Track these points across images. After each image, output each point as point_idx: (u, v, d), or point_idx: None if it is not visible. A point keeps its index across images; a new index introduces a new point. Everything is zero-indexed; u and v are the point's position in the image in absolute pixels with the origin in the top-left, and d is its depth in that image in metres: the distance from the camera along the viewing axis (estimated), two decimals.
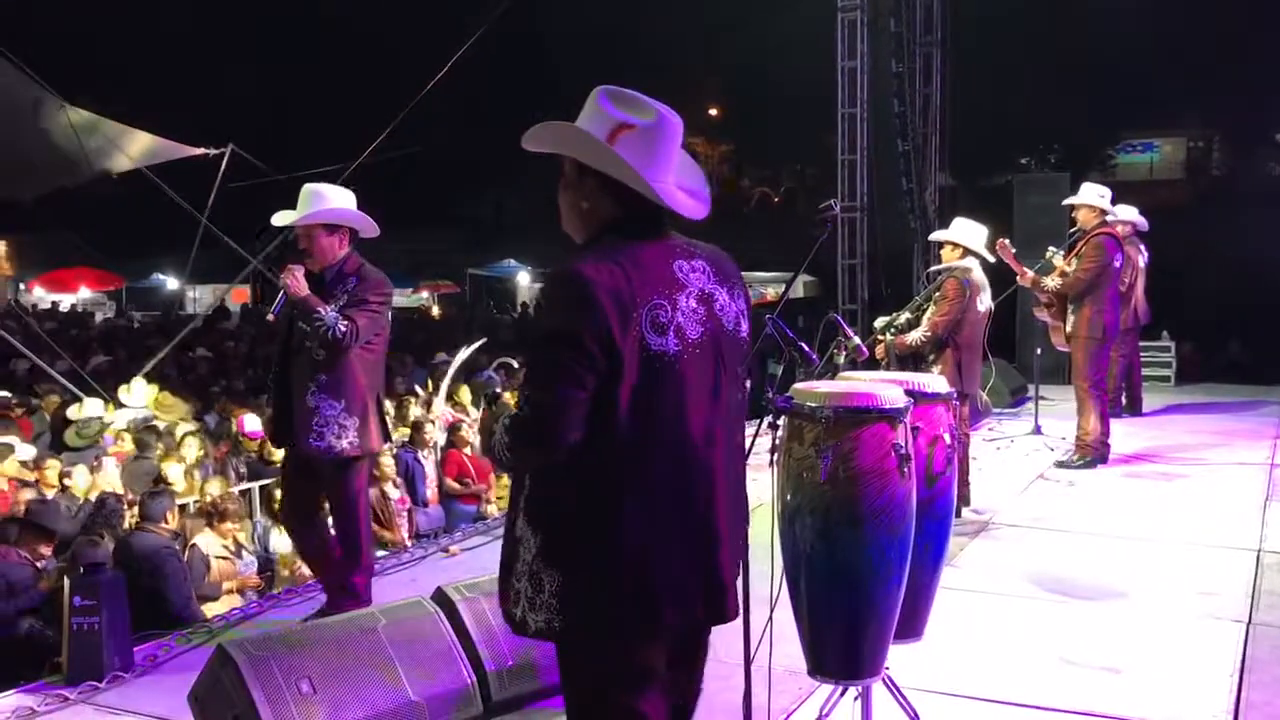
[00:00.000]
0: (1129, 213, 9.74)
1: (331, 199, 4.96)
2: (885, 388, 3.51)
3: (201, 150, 14.98)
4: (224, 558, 6.49)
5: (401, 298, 34.96)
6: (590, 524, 2.41)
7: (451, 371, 10.52)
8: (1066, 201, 8.50)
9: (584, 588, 2.42)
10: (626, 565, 2.40)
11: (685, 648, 2.65)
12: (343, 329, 4.68)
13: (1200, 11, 27.57)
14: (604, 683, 2.51)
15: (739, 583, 2.62)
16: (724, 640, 4.67)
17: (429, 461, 9.11)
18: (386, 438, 5.21)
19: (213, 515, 6.87)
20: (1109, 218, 8.32)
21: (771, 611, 3.44)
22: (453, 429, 9.48)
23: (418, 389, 10.95)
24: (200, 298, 30.43)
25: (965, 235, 6.87)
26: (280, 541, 7.44)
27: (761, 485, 3.59)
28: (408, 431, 9.43)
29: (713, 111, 42.73)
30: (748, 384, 2.63)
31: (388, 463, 8.55)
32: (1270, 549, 6.14)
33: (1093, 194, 8.22)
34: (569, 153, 2.51)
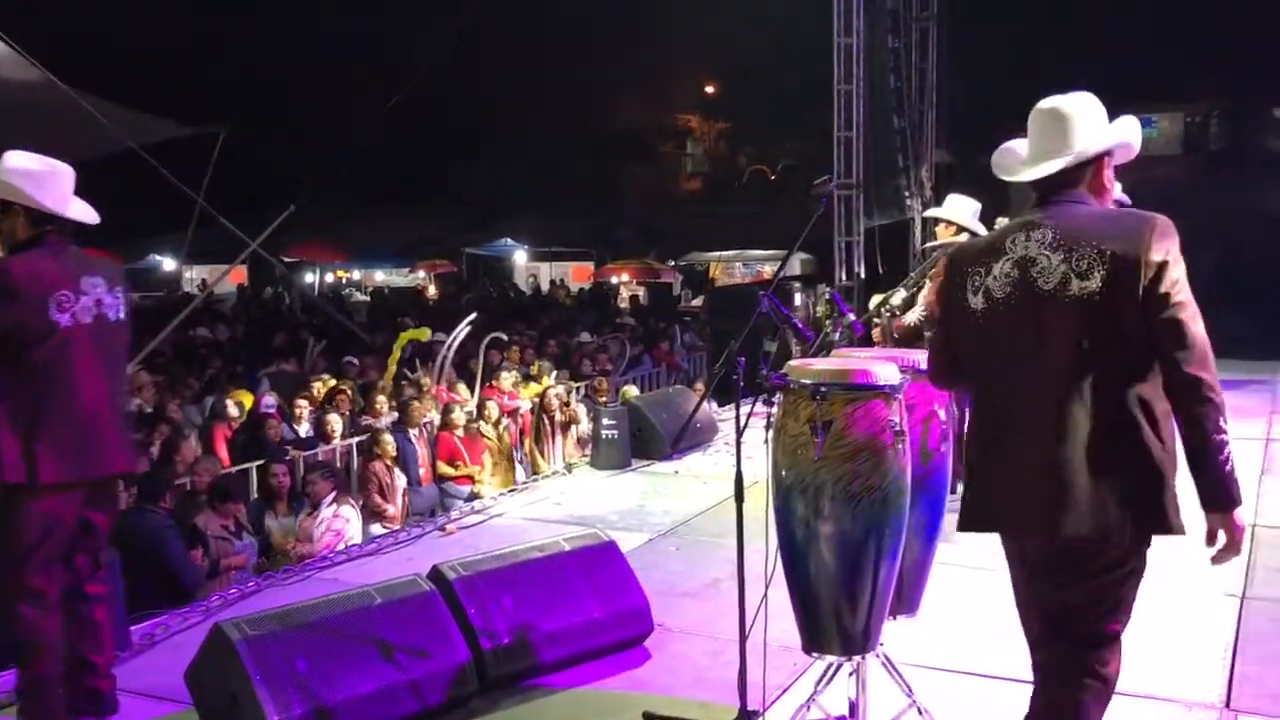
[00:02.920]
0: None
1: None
2: (879, 364, 3.51)
3: (195, 129, 14.95)
4: (222, 538, 6.49)
5: (398, 277, 34.93)
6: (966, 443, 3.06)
7: (448, 351, 10.49)
8: (927, 214, 7.88)
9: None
10: (967, 473, 3.00)
11: (1035, 559, 2.89)
12: None
13: None
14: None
15: (1055, 506, 2.74)
16: (720, 616, 4.71)
17: (420, 441, 9.10)
18: (44, 473, 3.65)
19: (214, 495, 6.87)
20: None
21: (766, 588, 3.44)
22: (445, 411, 9.46)
23: (406, 371, 10.91)
24: (196, 278, 30.40)
25: (958, 212, 6.81)
26: (276, 523, 7.44)
27: (758, 463, 3.60)
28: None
29: (709, 89, 42.58)
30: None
31: (388, 440, 8.56)
32: (1264, 524, 6.16)
33: (956, 209, 6.97)
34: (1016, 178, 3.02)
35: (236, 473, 8.03)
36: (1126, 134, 2.95)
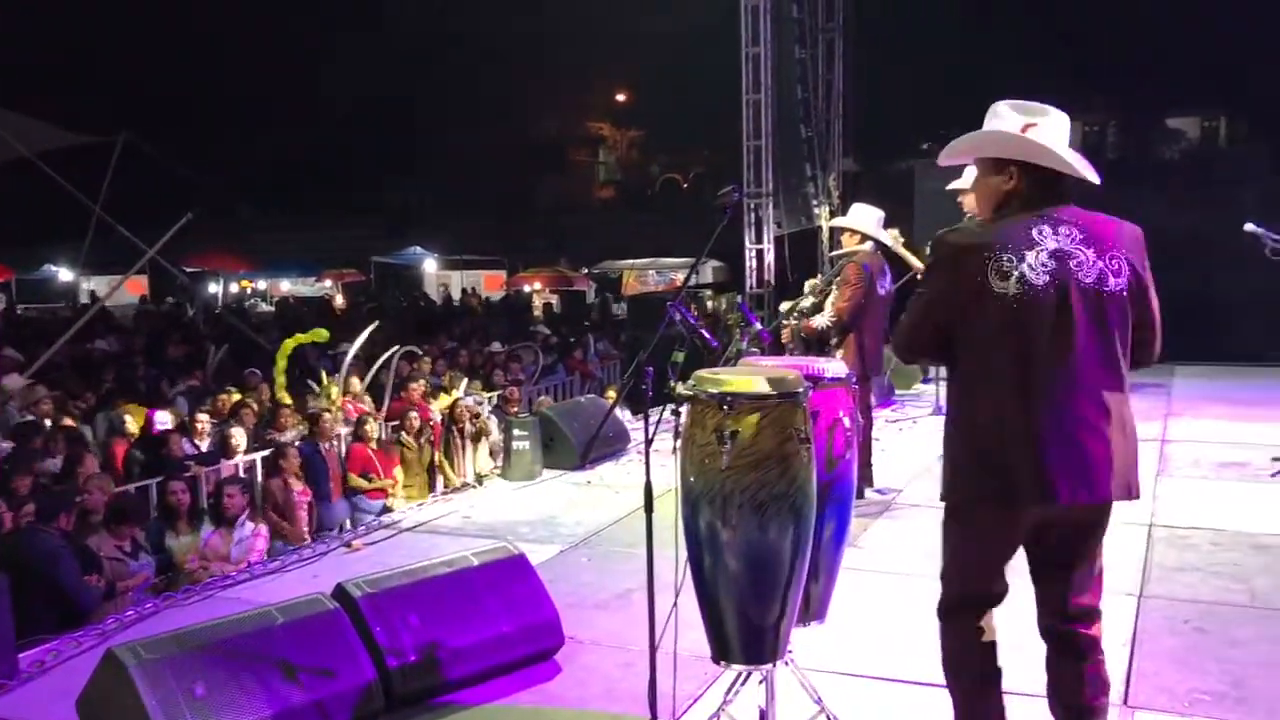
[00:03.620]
0: None
1: None
2: (784, 373, 3.53)
3: (92, 137, 14.54)
4: (117, 559, 6.28)
5: (304, 286, 34.35)
6: (955, 419, 3.14)
7: (349, 360, 10.32)
8: (833, 223, 8.23)
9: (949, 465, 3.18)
10: (990, 447, 3.04)
11: (1047, 540, 3.14)
12: None
13: None
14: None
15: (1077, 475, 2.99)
16: (632, 627, 4.70)
17: (330, 454, 8.93)
18: None
19: (109, 518, 6.64)
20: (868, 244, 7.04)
21: (676, 598, 3.43)
22: (358, 422, 9.30)
23: (310, 383, 10.71)
24: (96, 288, 29.55)
25: (861, 221, 6.92)
26: (176, 541, 7.23)
27: (668, 472, 3.59)
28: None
29: (621, 97, 42.71)
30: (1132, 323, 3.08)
31: (293, 454, 8.37)
32: (1160, 523, 6.35)
33: (860, 218, 7.13)
34: (996, 153, 3.12)
35: (135, 490, 7.80)
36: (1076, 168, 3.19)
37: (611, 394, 11.95)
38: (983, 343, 3.02)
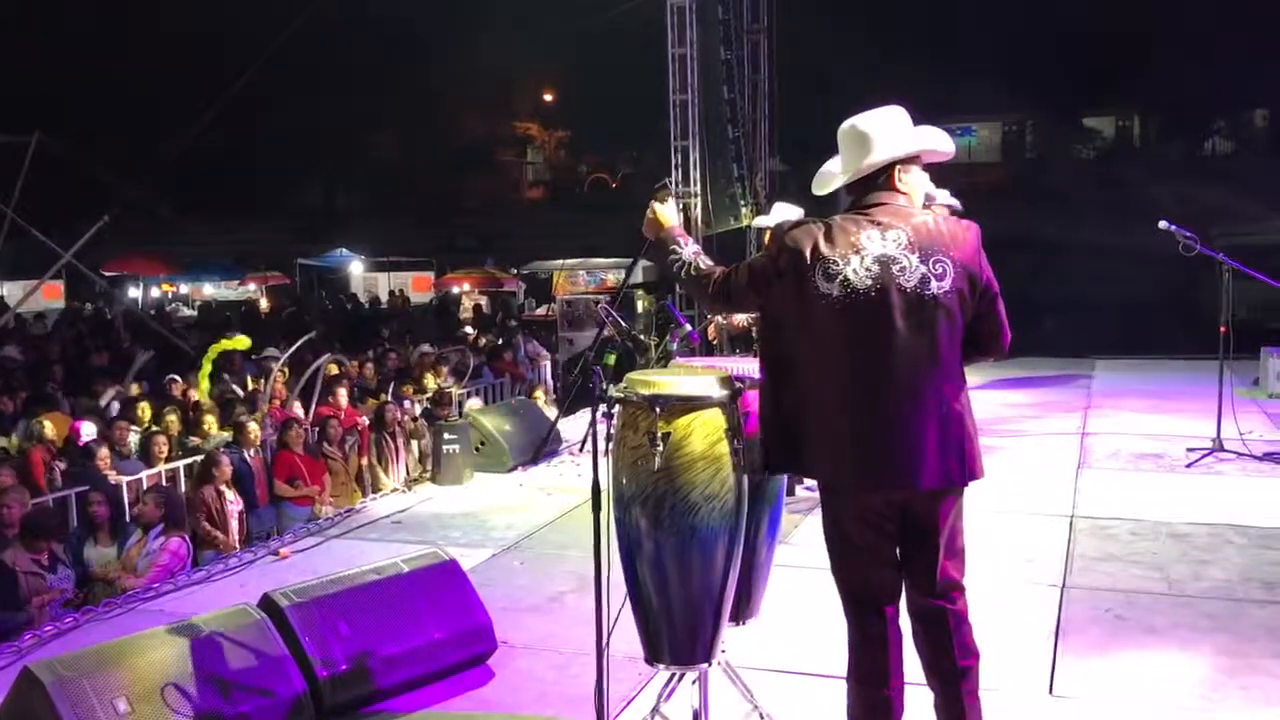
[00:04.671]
0: (941, 195, 10.02)
1: None
2: (715, 374, 3.54)
3: (3, 137, 14.16)
4: (33, 574, 6.10)
5: (228, 290, 33.69)
6: (772, 402, 3.31)
7: (277, 367, 10.14)
8: (755, 223, 8.43)
9: None
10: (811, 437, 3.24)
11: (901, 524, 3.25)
12: None
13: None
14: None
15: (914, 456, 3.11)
16: (564, 630, 4.68)
17: (255, 460, 8.76)
18: None
19: (25, 533, 6.44)
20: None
21: (608, 602, 3.42)
22: (283, 428, 9.14)
23: (235, 388, 10.49)
24: (8, 294, 28.70)
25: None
26: (96, 552, 7.05)
27: (601, 474, 3.57)
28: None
29: (548, 97, 42.60)
30: (957, 324, 3.19)
31: (224, 462, 8.19)
32: (1082, 514, 6.49)
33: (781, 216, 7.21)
34: (843, 182, 3.37)
35: (54, 502, 7.59)
36: (926, 141, 3.33)
37: (539, 395, 11.92)
38: (805, 341, 3.17)
